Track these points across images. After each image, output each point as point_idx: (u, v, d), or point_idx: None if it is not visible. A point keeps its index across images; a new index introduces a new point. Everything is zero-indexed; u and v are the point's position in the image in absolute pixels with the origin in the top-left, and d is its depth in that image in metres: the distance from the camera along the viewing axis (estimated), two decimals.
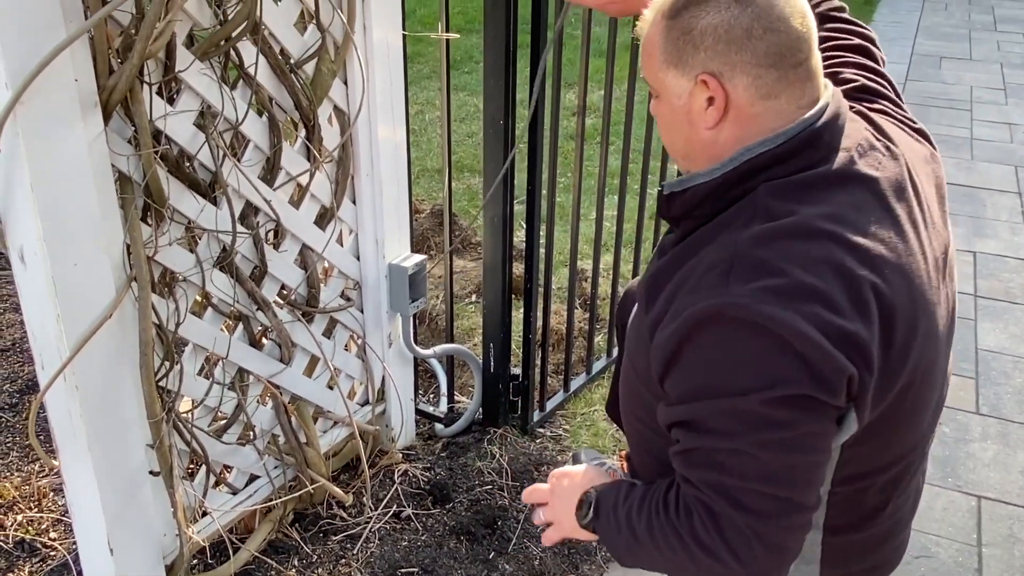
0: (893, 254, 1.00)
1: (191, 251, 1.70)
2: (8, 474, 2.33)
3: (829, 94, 1.05)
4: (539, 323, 2.57)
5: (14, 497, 2.22)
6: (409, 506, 2.25)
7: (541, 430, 2.60)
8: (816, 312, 0.93)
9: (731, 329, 0.95)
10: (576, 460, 1.92)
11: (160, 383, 1.69)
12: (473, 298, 3.31)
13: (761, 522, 0.99)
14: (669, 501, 1.06)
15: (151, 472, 1.69)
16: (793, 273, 0.94)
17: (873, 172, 1.04)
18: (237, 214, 1.78)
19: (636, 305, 1.14)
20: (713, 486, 1.01)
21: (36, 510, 2.19)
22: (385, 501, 2.26)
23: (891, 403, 1.02)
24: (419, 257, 2.21)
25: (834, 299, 0.94)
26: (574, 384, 2.76)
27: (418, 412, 2.61)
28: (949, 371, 1.19)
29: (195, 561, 1.98)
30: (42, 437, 2.45)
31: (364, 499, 2.24)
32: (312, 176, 1.92)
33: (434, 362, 2.86)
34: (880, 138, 1.10)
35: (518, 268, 2.58)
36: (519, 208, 2.44)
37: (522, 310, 2.48)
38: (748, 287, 0.94)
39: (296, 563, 2.06)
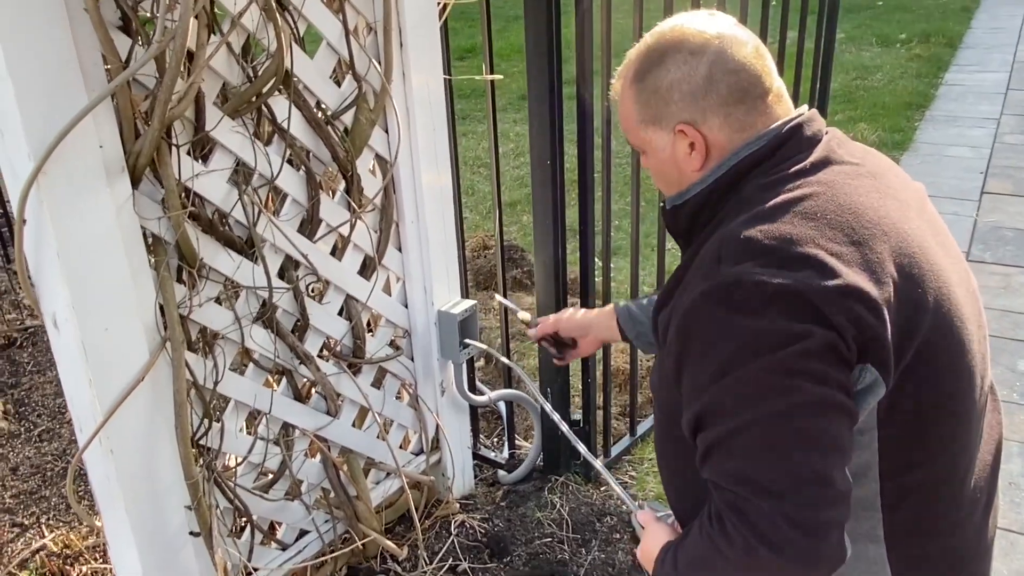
0: (878, 215, 1.04)
1: (230, 308, 1.69)
2: (77, 524, 2.37)
3: (804, 107, 1.15)
4: (599, 364, 2.47)
5: (80, 549, 2.25)
6: (465, 559, 2.17)
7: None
8: (809, 274, 0.96)
9: (723, 306, 0.98)
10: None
11: (200, 442, 1.67)
12: None
13: (785, 502, 0.97)
14: (703, 522, 1.06)
15: (191, 533, 1.66)
16: (779, 249, 0.98)
17: (851, 158, 1.11)
18: (276, 268, 1.76)
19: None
20: (732, 477, 1.01)
21: (101, 561, 2.22)
22: (440, 554, 2.19)
23: (914, 367, 1.02)
24: (469, 303, 2.15)
25: (823, 261, 0.97)
26: (641, 428, 2.64)
27: (480, 458, 2.55)
28: (985, 353, 1.17)
29: None
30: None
31: (419, 552, 2.18)
32: (353, 227, 1.88)
33: (500, 404, 2.79)
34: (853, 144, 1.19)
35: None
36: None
37: None
38: (737, 268, 0.98)
39: None
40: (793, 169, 1.08)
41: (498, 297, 2.04)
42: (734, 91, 1.09)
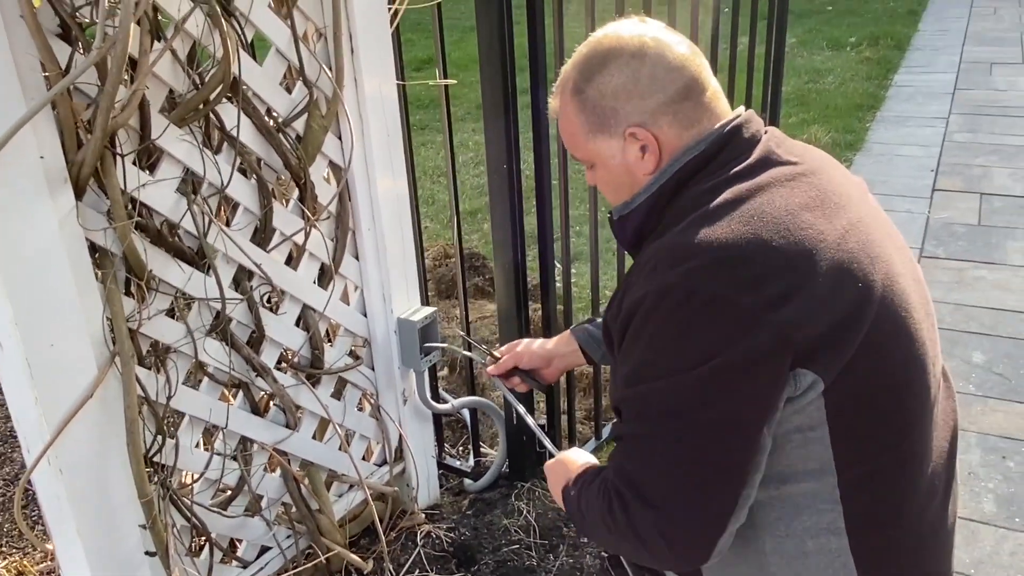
0: (814, 216, 1.04)
1: (182, 320, 1.65)
2: (31, 550, 2.30)
3: (741, 108, 1.16)
4: None
5: (34, 575, 2.18)
6: (432, 570, 2.15)
7: None
8: (741, 281, 0.97)
9: (653, 314, 1.01)
10: None
11: (154, 459, 1.63)
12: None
13: (665, 520, 1.02)
14: (596, 486, 1.13)
15: (147, 553, 1.62)
16: (710, 251, 0.99)
17: (790, 157, 1.12)
18: (229, 279, 1.73)
19: None
20: (623, 476, 1.06)
21: None
22: (407, 566, 2.15)
23: (861, 359, 1.03)
24: (429, 310, 2.13)
25: (756, 266, 0.98)
26: (606, 431, 2.63)
27: (445, 467, 2.52)
28: (935, 340, 1.19)
29: None
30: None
31: (384, 564, 2.15)
32: (308, 235, 1.86)
33: (465, 412, 2.77)
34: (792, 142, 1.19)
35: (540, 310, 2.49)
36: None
37: None
38: (671, 272, 1.00)
39: None
40: (733, 171, 1.08)
41: (462, 334, 1.97)
42: (679, 89, 1.10)
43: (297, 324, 1.92)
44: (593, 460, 1.30)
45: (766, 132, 1.15)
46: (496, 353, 1.70)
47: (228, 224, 1.73)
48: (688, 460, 1.02)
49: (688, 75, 1.10)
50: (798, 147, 1.17)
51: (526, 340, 1.68)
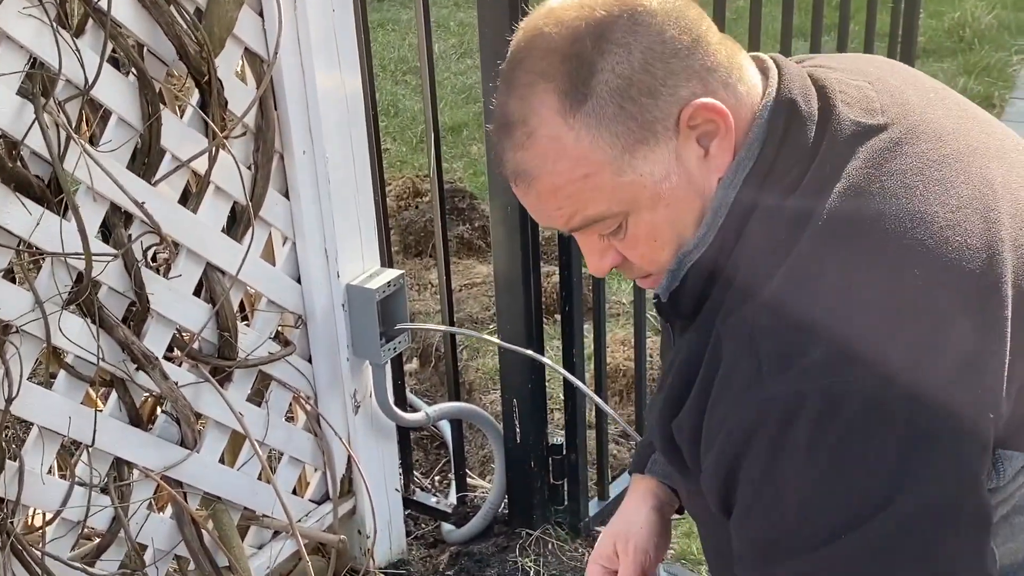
0: (955, 208, 1.03)
1: (28, 287, 1.67)
2: None
3: (766, 61, 1.16)
4: (590, 361, 2.49)
5: None
6: None
7: (601, 530, 2.51)
8: (892, 359, 0.95)
9: (775, 448, 0.98)
10: None
11: None
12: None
13: None
14: None
15: None
16: (836, 329, 0.97)
17: (874, 117, 1.09)
18: (97, 224, 1.75)
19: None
20: None
21: None
22: None
23: None
24: (393, 273, 2.16)
25: (911, 330, 0.96)
26: None
27: (413, 506, 2.58)
28: None
29: None
30: None
31: None
32: (213, 160, 1.87)
33: (444, 424, 2.80)
34: (859, 76, 1.17)
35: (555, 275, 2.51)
36: None
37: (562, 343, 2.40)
38: (787, 375, 0.97)
39: None
40: (811, 176, 1.06)
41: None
42: (699, 38, 1.08)
43: (197, 293, 1.94)
44: None
45: (820, 84, 1.13)
46: None
47: (95, 143, 1.74)
48: None
49: (699, 19, 1.09)
50: (868, 81, 1.15)
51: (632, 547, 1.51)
